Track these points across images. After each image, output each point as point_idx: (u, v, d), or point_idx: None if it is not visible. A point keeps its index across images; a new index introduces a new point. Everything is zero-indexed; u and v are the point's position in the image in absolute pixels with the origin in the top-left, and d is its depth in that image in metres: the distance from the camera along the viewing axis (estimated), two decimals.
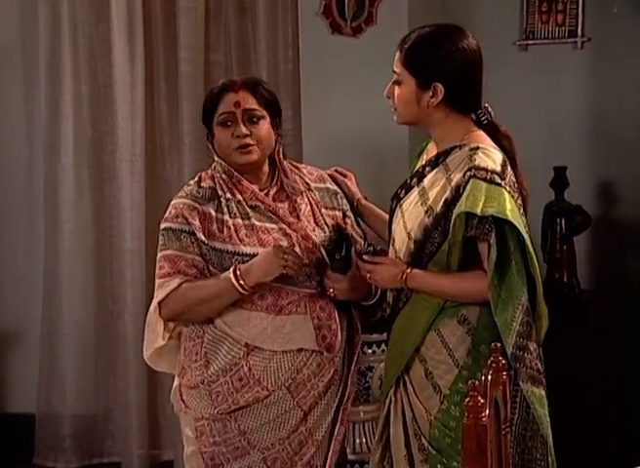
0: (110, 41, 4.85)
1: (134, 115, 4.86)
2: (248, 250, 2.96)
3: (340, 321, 3.01)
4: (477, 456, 2.26)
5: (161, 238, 3.03)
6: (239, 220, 2.99)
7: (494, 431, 2.39)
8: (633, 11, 4.17)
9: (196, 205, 3.01)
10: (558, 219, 4.19)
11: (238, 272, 2.91)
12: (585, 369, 4.04)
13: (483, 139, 2.94)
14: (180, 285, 2.96)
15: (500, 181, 2.82)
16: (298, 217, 3.03)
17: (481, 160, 2.84)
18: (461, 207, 2.79)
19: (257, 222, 3.00)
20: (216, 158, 3.08)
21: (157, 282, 3.01)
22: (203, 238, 2.97)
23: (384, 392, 3.07)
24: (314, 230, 3.03)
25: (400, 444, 2.97)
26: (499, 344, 2.53)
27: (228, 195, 3.02)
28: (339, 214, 3.13)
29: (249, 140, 2.99)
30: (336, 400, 3.06)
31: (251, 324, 2.96)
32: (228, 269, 2.94)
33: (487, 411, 2.36)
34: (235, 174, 3.02)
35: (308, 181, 3.13)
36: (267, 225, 3.00)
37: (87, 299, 5.03)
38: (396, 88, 2.95)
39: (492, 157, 2.86)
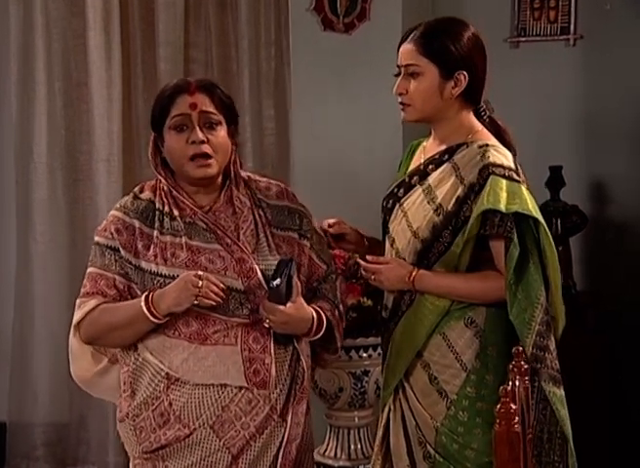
0: (85, 37, 4.75)
1: (110, 114, 4.76)
2: (170, 271, 2.68)
3: (277, 354, 2.71)
4: (510, 464, 2.22)
5: (91, 252, 2.80)
6: (168, 238, 2.71)
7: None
8: (626, 8, 4.12)
9: (126, 218, 2.75)
10: (554, 219, 4.12)
11: (150, 298, 2.65)
12: (582, 370, 3.99)
13: (489, 136, 2.93)
14: (96, 306, 2.72)
15: (517, 178, 2.80)
16: (238, 238, 2.73)
17: (495, 157, 2.81)
18: (484, 204, 2.74)
19: (188, 241, 2.70)
20: (154, 170, 2.81)
21: (77, 301, 2.77)
22: (127, 256, 2.71)
23: (383, 401, 2.99)
24: (254, 252, 2.72)
25: (402, 453, 2.90)
26: (520, 348, 2.47)
27: (166, 209, 2.75)
28: (293, 234, 2.82)
29: (205, 148, 2.69)
30: (276, 442, 2.72)
31: (172, 353, 2.68)
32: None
33: (518, 418, 2.30)
34: (174, 192, 2.75)
35: (261, 197, 2.83)
36: (200, 245, 2.70)
37: (60, 304, 4.88)
38: (412, 82, 2.86)
39: (504, 154, 2.85)
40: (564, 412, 2.78)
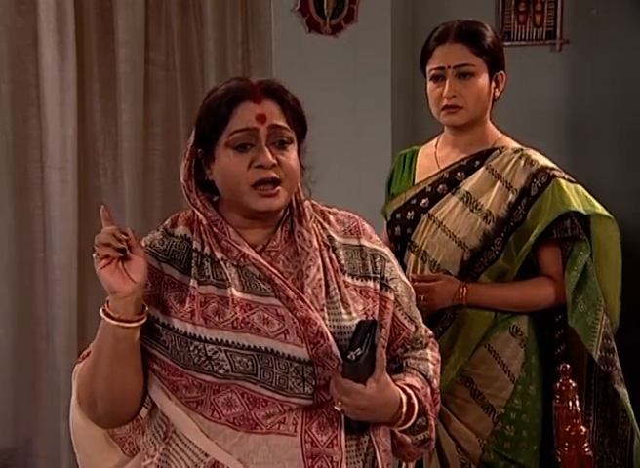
0: (37, 36, 4.43)
1: (64, 118, 4.46)
2: (212, 334, 1.98)
3: (349, 448, 2.03)
4: None
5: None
6: (211, 289, 2.03)
7: None
8: (612, 13, 4.05)
9: (153, 262, 2.05)
10: None
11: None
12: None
13: (512, 141, 2.87)
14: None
15: (573, 179, 2.76)
16: (302, 289, 2.03)
17: (543, 160, 2.79)
18: (557, 207, 2.66)
19: (236, 293, 2.01)
20: (187, 199, 2.11)
21: (76, 366, 2.17)
22: (153, 312, 2.02)
23: None
24: (322, 309, 2.03)
25: None
26: (568, 366, 2.37)
27: (206, 250, 2.07)
28: (373, 285, 2.12)
29: (274, 174, 2.02)
30: None
31: (214, 441, 2.01)
32: (189, 361, 1.99)
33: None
34: (215, 229, 2.09)
35: (332, 234, 2.15)
36: (251, 298, 2.01)
37: (5, 323, 4.59)
38: (464, 83, 2.75)
39: (544, 157, 2.79)
40: (631, 411, 2.73)
